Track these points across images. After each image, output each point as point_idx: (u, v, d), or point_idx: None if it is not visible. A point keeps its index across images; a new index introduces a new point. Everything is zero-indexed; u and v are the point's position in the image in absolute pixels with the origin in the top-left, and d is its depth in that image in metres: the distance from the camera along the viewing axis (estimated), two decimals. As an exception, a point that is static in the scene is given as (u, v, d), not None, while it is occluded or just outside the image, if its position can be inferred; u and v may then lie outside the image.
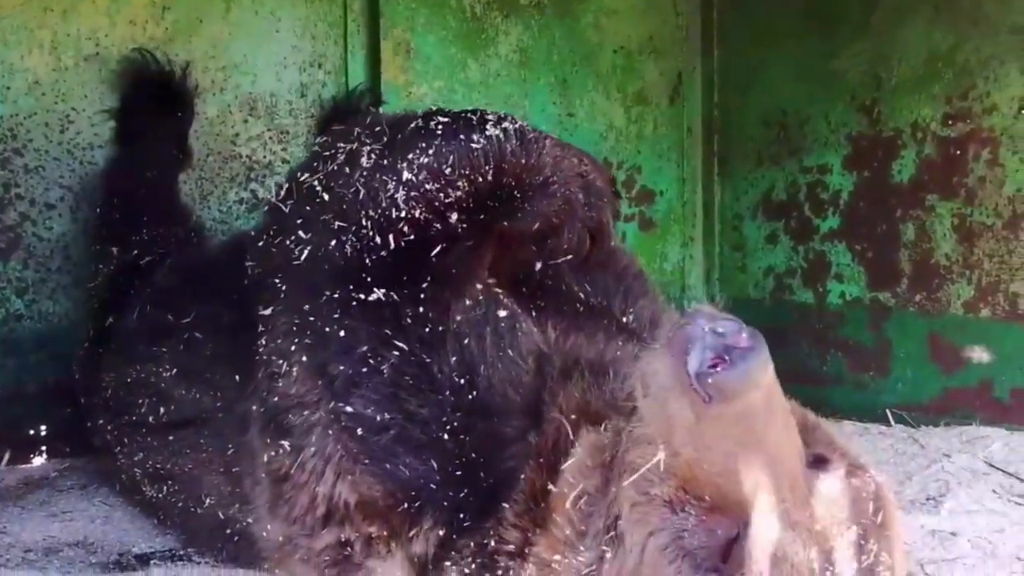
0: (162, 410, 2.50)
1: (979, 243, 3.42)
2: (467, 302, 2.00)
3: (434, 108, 2.13)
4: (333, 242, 1.98)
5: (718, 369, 1.52)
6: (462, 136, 1.99)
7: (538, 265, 2.29)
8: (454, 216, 1.97)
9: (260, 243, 2.17)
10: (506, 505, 1.84)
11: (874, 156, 3.66)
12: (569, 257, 2.20)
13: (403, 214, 1.95)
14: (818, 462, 1.69)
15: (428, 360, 1.94)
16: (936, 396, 3.47)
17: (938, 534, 2.59)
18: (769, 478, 1.57)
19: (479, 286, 2.04)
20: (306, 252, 2.01)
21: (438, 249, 1.97)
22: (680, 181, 4.30)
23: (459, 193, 1.97)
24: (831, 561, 1.62)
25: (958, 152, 3.44)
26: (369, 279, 1.96)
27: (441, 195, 1.96)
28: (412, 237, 1.96)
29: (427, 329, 1.95)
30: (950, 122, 3.45)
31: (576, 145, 2.35)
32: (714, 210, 4.17)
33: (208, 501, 2.39)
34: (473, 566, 1.84)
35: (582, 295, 2.33)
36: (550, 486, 1.79)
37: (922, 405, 3.48)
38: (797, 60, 3.93)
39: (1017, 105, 3.31)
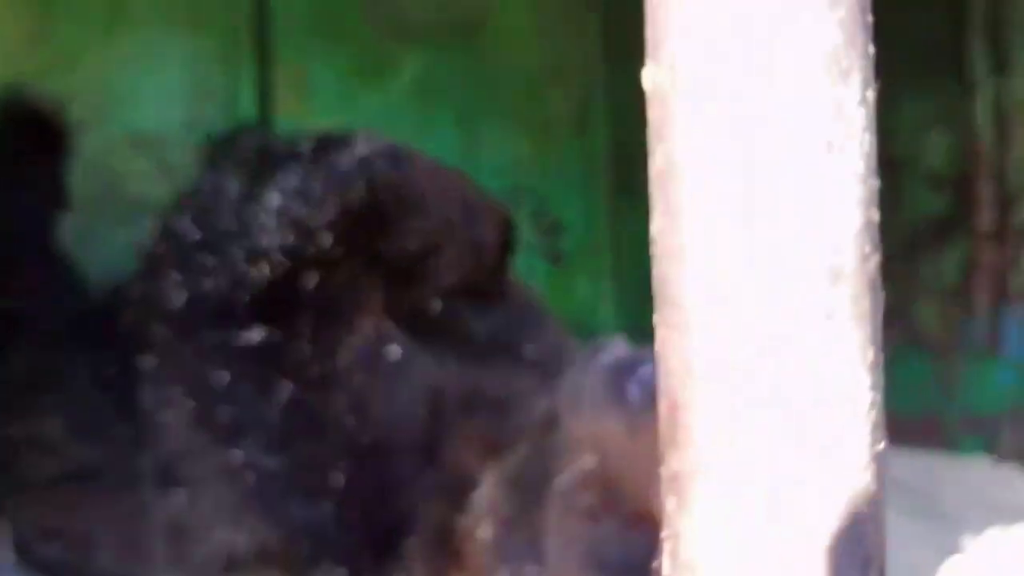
0: (51, 465, 2.54)
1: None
2: (356, 339, 2.10)
3: (299, 132, 2.24)
4: (207, 281, 2.07)
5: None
6: (330, 156, 2.10)
7: (435, 304, 2.40)
8: (328, 239, 2.07)
9: (137, 289, 2.24)
10: (410, 542, 1.94)
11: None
12: (453, 280, 2.31)
13: (275, 242, 2.05)
14: None
15: (317, 401, 2.04)
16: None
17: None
18: None
19: (369, 323, 2.15)
20: (181, 295, 2.09)
21: (316, 278, 2.07)
22: (588, 213, 4.46)
23: (330, 216, 2.07)
24: None
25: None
26: (249, 317, 2.05)
27: (312, 218, 2.06)
28: (287, 265, 2.06)
29: (314, 368, 2.05)
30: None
31: (478, 180, 2.49)
32: (622, 242, 4.34)
33: (105, 557, 2.43)
34: (381, 604, 1.93)
35: (482, 330, 2.45)
36: (457, 519, 1.89)
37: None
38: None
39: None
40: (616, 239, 4.40)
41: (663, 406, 0.51)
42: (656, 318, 0.51)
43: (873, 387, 0.48)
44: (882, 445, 0.48)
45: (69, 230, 3.66)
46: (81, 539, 2.49)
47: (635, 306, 4.38)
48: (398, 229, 2.18)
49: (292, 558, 2.04)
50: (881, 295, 0.48)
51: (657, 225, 0.51)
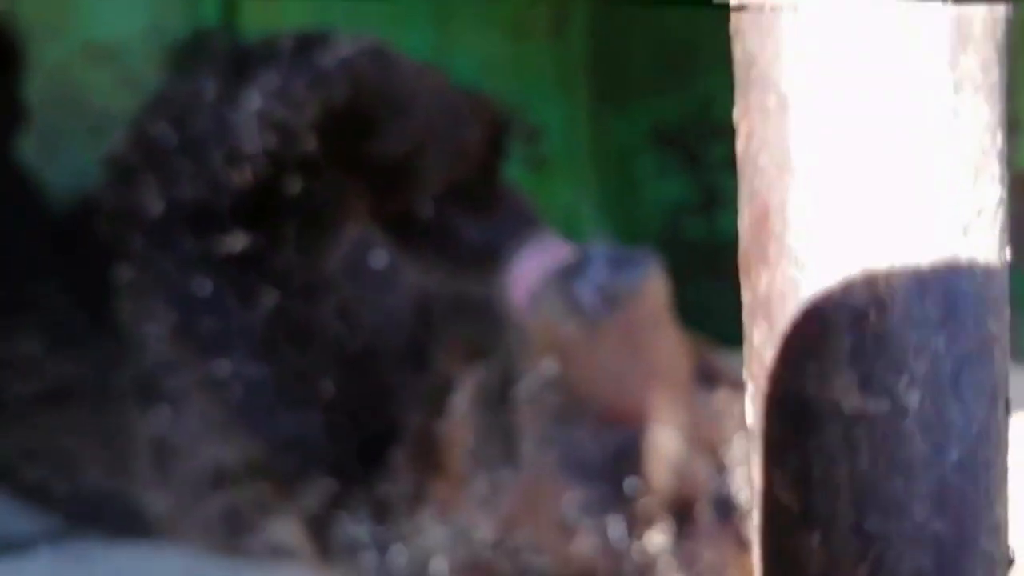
0: (30, 385, 2.50)
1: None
2: (342, 246, 2.07)
3: (270, 34, 2.17)
4: (186, 188, 2.02)
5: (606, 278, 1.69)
6: (312, 55, 2.04)
7: (423, 209, 2.36)
8: (311, 141, 2.02)
9: (108, 198, 2.18)
10: (396, 452, 1.94)
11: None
12: (440, 183, 2.28)
13: (256, 145, 2.00)
14: (706, 380, 1.87)
15: (302, 309, 2.01)
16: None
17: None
18: (658, 389, 1.73)
19: (355, 229, 2.11)
20: (158, 202, 2.04)
21: (299, 183, 2.03)
22: (568, 117, 4.41)
23: (313, 116, 2.01)
24: (718, 467, 1.79)
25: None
26: (230, 224, 2.01)
27: (294, 119, 2.00)
28: (269, 169, 2.01)
29: (299, 276, 2.02)
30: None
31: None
32: (603, 145, 4.30)
33: (89, 477, 2.42)
34: (369, 513, 1.94)
35: (471, 236, 2.42)
36: (440, 426, 1.90)
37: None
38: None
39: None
40: (597, 145, 4.35)
41: (747, 217, 0.44)
42: (737, 111, 0.44)
43: (999, 157, 0.43)
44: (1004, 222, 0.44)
45: (29, 145, 3.57)
46: (64, 459, 2.46)
47: (618, 212, 4.36)
48: (382, 131, 2.13)
49: (280, 470, 2.03)
50: (1006, 68, 0.43)
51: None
